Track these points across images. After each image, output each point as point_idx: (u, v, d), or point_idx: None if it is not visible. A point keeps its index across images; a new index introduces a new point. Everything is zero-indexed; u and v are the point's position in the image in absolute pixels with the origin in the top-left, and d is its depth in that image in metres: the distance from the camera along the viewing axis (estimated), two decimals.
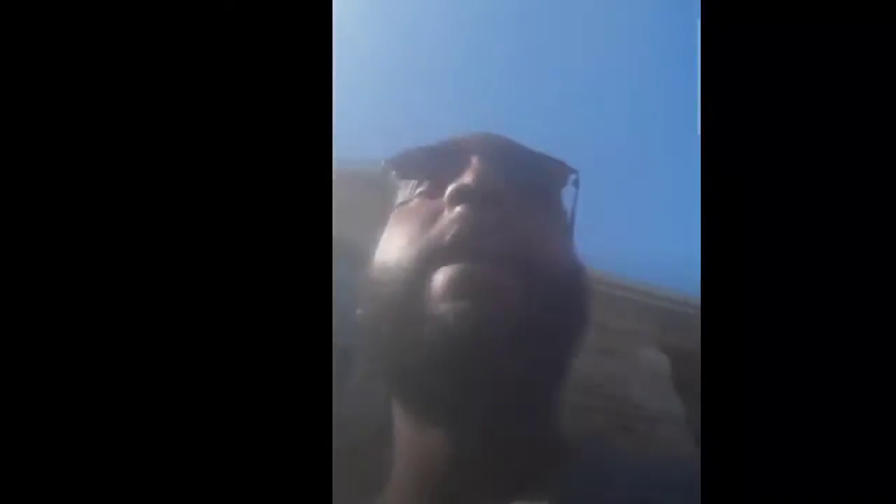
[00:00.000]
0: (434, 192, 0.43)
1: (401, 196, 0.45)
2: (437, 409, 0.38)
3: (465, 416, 0.37)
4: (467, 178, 0.40)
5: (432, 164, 0.44)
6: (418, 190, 0.44)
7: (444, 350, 0.35)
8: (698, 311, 0.31)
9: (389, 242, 0.42)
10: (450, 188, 0.40)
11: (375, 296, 0.40)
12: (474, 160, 0.41)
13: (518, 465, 0.38)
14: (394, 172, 0.46)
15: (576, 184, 0.45)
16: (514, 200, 0.40)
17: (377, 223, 0.46)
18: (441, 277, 0.37)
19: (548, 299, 0.38)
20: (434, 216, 0.40)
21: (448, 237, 0.38)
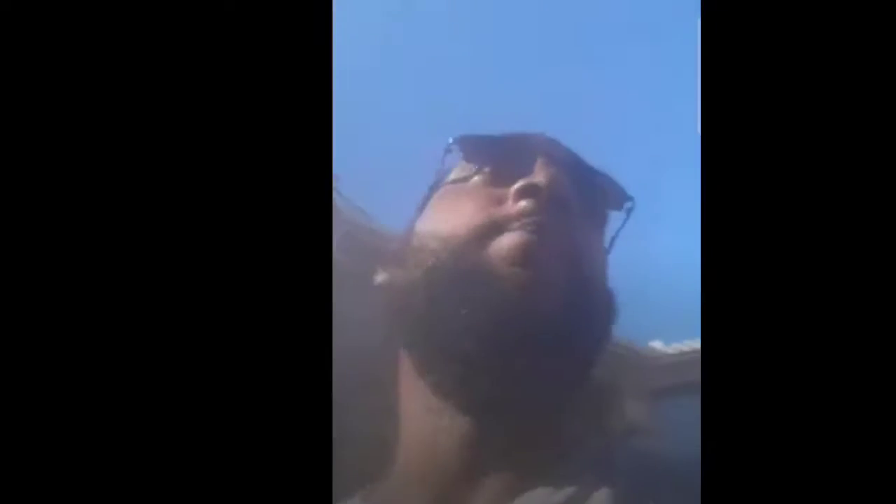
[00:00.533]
0: (495, 180, 0.42)
1: (455, 174, 0.45)
2: (461, 391, 0.39)
3: (480, 400, 0.38)
4: (539, 177, 0.40)
5: (498, 153, 0.44)
6: (479, 173, 0.44)
7: (484, 332, 0.36)
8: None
9: (439, 215, 0.43)
10: (520, 182, 0.40)
11: (416, 262, 0.40)
12: (543, 161, 0.41)
13: (527, 453, 0.39)
14: (458, 151, 0.46)
15: (628, 212, 0.46)
16: (577, 212, 0.41)
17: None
18: (504, 244, 0.38)
19: (585, 314, 0.39)
20: (496, 202, 0.41)
21: (513, 224, 0.39)
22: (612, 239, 0.46)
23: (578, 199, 0.42)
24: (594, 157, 0.47)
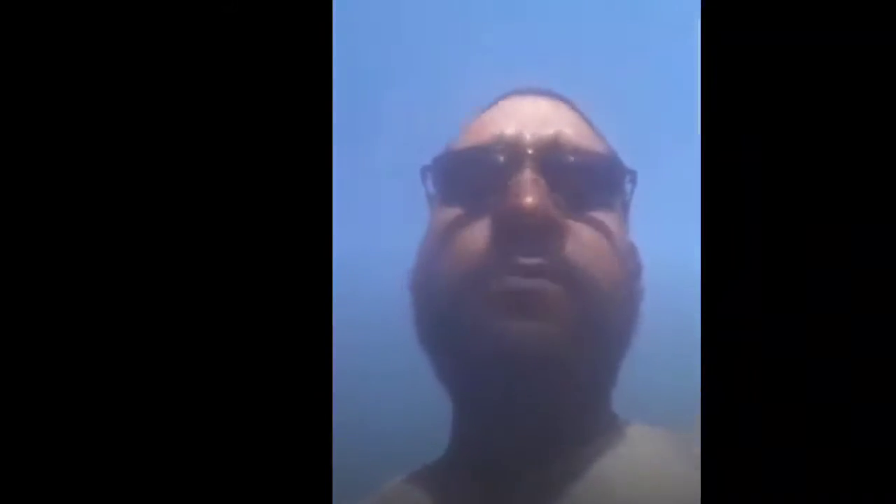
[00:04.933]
0: (480, 205, 0.40)
1: (442, 209, 0.43)
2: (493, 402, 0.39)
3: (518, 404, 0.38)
4: (517, 199, 0.37)
5: (476, 173, 0.41)
6: (462, 203, 0.41)
7: (505, 365, 0.37)
8: None
9: (437, 257, 0.41)
10: (501, 213, 0.38)
11: (427, 311, 0.41)
12: (525, 175, 0.38)
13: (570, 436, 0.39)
14: (433, 181, 0.44)
15: (633, 181, 0.43)
16: (566, 215, 0.39)
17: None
18: (497, 296, 0.37)
19: (602, 309, 0.38)
20: (485, 235, 0.39)
21: (503, 264, 0.38)
22: (625, 212, 0.44)
23: (573, 195, 0.39)
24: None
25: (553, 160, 0.40)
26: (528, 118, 0.42)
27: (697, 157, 0.33)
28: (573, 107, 0.45)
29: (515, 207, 0.37)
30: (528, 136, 0.40)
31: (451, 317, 0.39)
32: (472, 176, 0.41)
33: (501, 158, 0.40)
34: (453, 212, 0.41)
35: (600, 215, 0.41)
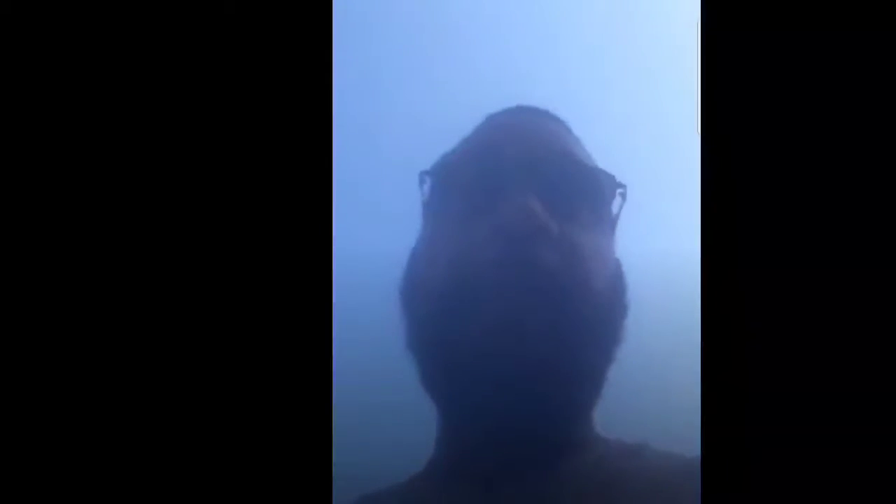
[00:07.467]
0: (476, 216, 0.41)
1: (437, 217, 0.44)
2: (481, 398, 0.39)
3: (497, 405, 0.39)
4: (513, 212, 0.39)
5: (474, 184, 0.42)
6: (458, 212, 0.43)
7: (492, 375, 0.37)
8: None
9: (431, 264, 0.42)
10: (497, 224, 0.39)
11: (418, 316, 0.42)
12: (521, 188, 0.40)
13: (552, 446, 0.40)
14: (431, 185, 0.45)
15: (623, 196, 0.44)
16: (559, 229, 0.40)
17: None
18: (491, 309, 0.38)
19: (586, 317, 0.39)
20: (481, 247, 0.40)
21: (493, 273, 0.39)
22: (613, 225, 0.45)
23: (564, 204, 0.41)
24: (593, 157, 0.45)
25: (547, 174, 0.41)
26: (525, 134, 0.43)
27: (697, 157, 0.33)
28: (565, 126, 0.47)
29: (512, 220, 0.39)
30: (524, 152, 0.42)
31: (443, 324, 0.40)
32: (469, 186, 0.43)
33: (498, 171, 0.42)
34: (449, 220, 0.43)
35: (592, 230, 0.42)
